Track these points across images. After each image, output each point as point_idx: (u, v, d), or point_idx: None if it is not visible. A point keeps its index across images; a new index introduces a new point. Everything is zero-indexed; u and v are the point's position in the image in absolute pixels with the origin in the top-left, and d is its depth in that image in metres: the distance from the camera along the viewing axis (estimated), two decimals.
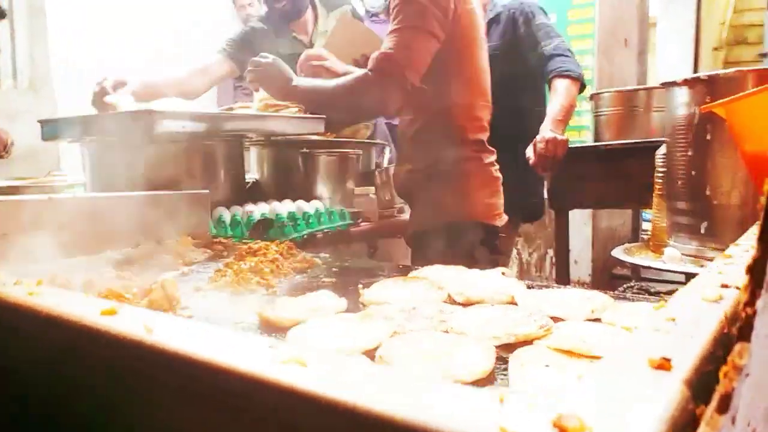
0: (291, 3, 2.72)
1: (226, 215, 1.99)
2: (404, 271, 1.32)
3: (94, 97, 2.17)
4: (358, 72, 1.87)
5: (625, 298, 1.07)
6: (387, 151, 2.86)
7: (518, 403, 0.30)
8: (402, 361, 0.74)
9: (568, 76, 2.47)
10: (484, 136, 2.00)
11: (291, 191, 2.28)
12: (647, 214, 4.12)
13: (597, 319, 0.94)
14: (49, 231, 1.48)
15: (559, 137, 2.34)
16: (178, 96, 2.39)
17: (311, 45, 2.79)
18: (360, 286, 1.17)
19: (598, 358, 0.76)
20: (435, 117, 1.91)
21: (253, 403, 0.36)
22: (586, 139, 4.17)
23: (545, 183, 2.77)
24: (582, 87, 2.51)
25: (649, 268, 1.78)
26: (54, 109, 3.87)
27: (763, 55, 5.79)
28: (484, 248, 1.90)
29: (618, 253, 2.01)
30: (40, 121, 2.11)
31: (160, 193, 1.72)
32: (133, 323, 0.40)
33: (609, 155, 2.38)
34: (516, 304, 1.03)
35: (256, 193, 2.42)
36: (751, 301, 0.32)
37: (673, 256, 1.69)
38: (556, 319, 0.92)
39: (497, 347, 0.81)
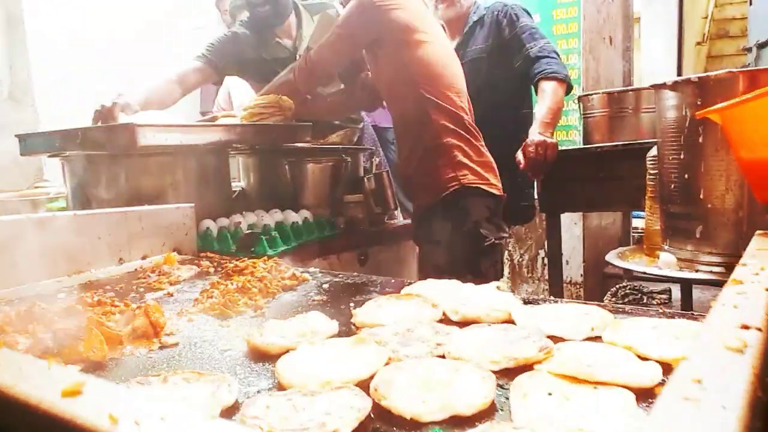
0: (273, 8, 2.67)
1: (213, 227, 1.95)
2: (397, 286, 1.29)
3: (98, 116, 2.09)
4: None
5: (623, 312, 1.05)
6: (375, 157, 2.82)
7: None
8: (399, 393, 0.71)
9: (554, 78, 2.45)
10: (464, 113, 2.12)
11: (279, 200, 2.24)
12: (638, 212, 4.12)
13: (597, 337, 0.91)
14: (29, 251, 1.44)
15: (549, 140, 2.32)
16: (158, 106, 2.34)
17: (295, 49, 2.75)
18: (351, 305, 1.14)
19: (602, 383, 0.73)
20: (408, 101, 2.10)
21: None
22: (573, 138, 4.16)
23: (535, 186, 2.75)
24: (569, 88, 2.49)
25: (645, 274, 1.75)
26: (35, 120, 3.80)
27: (747, 50, 5.81)
28: (487, 219, 2.02)
29: (612, 257, 1.98)
30: (18, 136, 2.06)
31: (144, 208, 1.68)
32: (98, 411, 0.36)
33: (599, 157, 2.37)
34: (513, 321, 1.00)
35: (242, 202, 2.37)
36: None
37: (669, 262, 1.66)
38: (555, 339, 0.89)
39: (496, 372, 0.78)
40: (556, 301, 1.12)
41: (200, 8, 4.76)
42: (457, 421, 0.67)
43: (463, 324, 0.99)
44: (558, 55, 2.56)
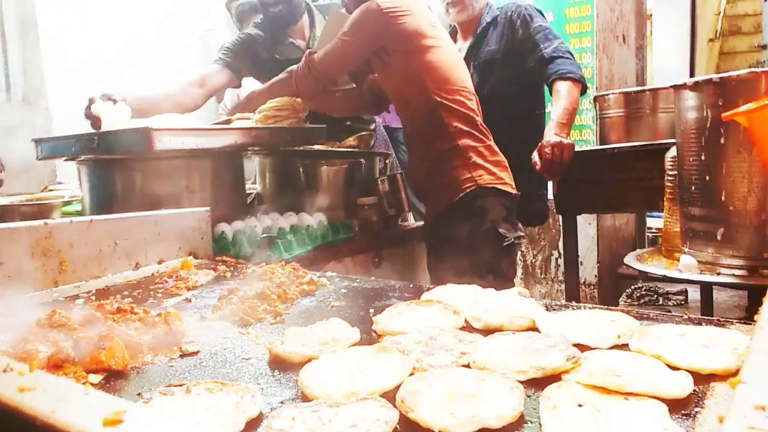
0: (286, 8, 2.67)
1: (229, 231, 1.94)
2: (416, 291, 1.27)
3: (85, 110, 2.14)
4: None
5: (648, 318, 1.03)
6: (388, 159, 2.81)
7: None
8: (425, 405, 0.70)
9: (569, 78, 2.43)
10: (475, 115, 2.12)
11: (294, 203, 2.24)
12: (652, 212, 4.08)
13: (623, 345, 0.90)
14: (46, 257, 1.44)
15: (565, 141, 2.30)
16: (174, 110, 2.34)
17: (309, 49, 2.75)
18: (371, 311, 1.13)
19: (633, 394, 0.71)
20: (418, 106, 2.10)
21: None
22: (587, 138, 4.13)
23: (549, 187, 2.73)
24: (584, 88, 2.47)
25: (666, 277, 1.73)
26: (49, 122, 3.82)
27: (762, 47, 5.74)
28: (504, 219, 2.02)
29: (631, 260, 1.96)
30: (34, 140, 2.07)
31: (159, 213, 1.68)
32: None
33: (616, 158, 2.34)
34: (536, 328, 0.98)
35: (258, 206, 2.37)
36: None
37: (690, 265, 1.64)
38: (581, 347, 0.88)
39: (523, 382, 0.77)
40: (579, 307, 1.10)
41: (211, 10, 4.76)
42: None
43: (485, 332, 0.98)
44: (572, 56, 2.53)
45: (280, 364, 0.89)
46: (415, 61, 2.06)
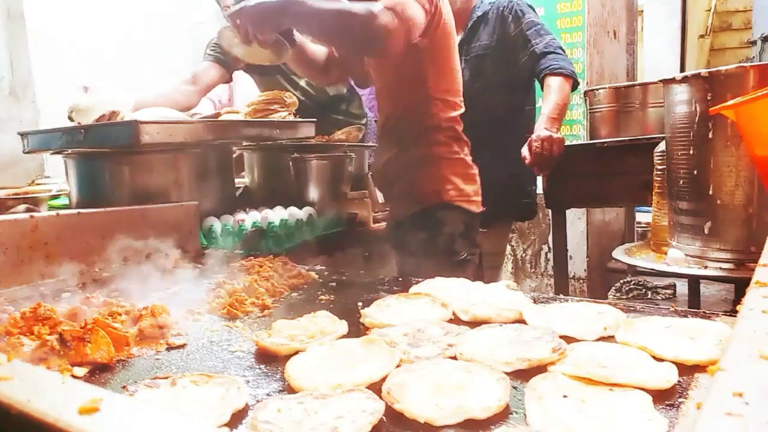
0: None
1: (217, 225, 1.93)
2: (404, 285, 1.27)
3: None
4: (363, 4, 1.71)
5: (635, 310, 1.03)
6: None
7: None
8: (411, 397, 0.70)
9: (560, 74, 2.43)
10: (458, 125, 2.00)
11: (283, 197, 2.23)
12: (641, 207, 4.10)
13: (610, 337, 0.90)
14: (33, 250, 1.43)
15: (555, 135, 2.30)
16: (170, 106, 2.32)
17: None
18: (360, 304, 1.13)
19: (618, 385, 0.72)
20: (411, 107, 1.94)
21: None
22: (578, 133, 4.14)
23: (539, 181, 2.73)
24: (575, 84, 2.47)
25: (653, 270, 1.74)
26: (36, 116, 3.78)
27: (752, 42, 5.78)
28: (461, 235, 1.92)
29: (619, 254, 1.97)
30: (20, 133, 2.05)
31: (147, 206, 1.67)
32: (116, 429, 0.35)
33: (605, 153, 2.35)
34: (524, 321, 0.99)
35: (246, 199, 2.36)
36: None
37: (677, 258, 1.65)
38: (567, 339, 0.88)
39: (509, 373, 0.77)
40: (567, 300, 1.11)
41: (202, 3, 4.73)
42: (471, 424, 0.66)
43: (473, 324, 0.98)
44: (564, 51, 2.54)
45: (267, 357, 0.89)
46: (430, 57, 1.88)
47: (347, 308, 1.14)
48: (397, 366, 0.80)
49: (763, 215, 1.51)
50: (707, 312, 0.99)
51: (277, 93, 2.22)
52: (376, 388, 0.74)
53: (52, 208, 2.42)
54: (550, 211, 2.71)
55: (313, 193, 2.31)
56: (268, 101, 2.19)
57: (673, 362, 0.77)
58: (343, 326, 0.98)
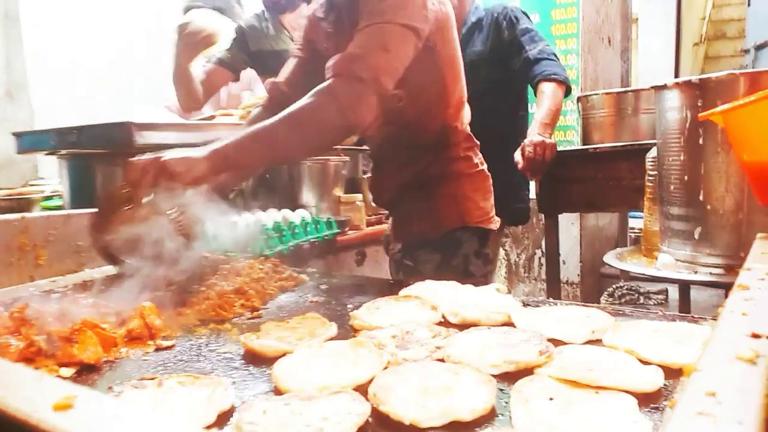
0: None
1: (209, 227, 1.93)
2: (395, 287, 1.27)
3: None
4: (315, 90, 1.38)
5: (623, 314, 1.04)
6: None
7: None
8: (397, 398, 0.70)
9: (554, 80, 2.44)
10: (471, 138, 1.84)
11: (276, 200, 2.23)
12: (635, 213, 4.12)
13: (597, 340, 0.91)
14: (22, 251, 1.43)
15: (548, 140, 2.31)
16: (178, 113, 2.33)
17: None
18: (349, 306, 1.13)
19: (604, 388, 0.72)
20: (429, 114, 1.69)
21: None
22: (571, 139, 4.16)
23: (532, 187, 2.74)
24: (568, 90, 2.49)
25: (644, 275, 1.75)
26: (31, 117, 3.78)
27: (745, 51, 5.82)
28: (479, 256, 1.77)
29: (610, 258, 1.98)
30: (14, 134, 2.04)
31: None
32: (90, 426, 0.35)
33: (598, 158, 2.36)
34: (513, 324, 0.99)
35: (239, 202, 2.36)
36: None
37: (668, 263, 1.66)
38: (555, 342, 0.88)
39: (496, 376, 0.77)
40: (556, 303, 1.11)
41: None
42: (456, 426, 0.66)
43: (462, 327, 0.99)
44: (557, 58, 2.55)
45: (255, 359, 0.89)
46: (444, 58, 1.64)
47: (337, 310, 1.14)
48: (385, 368, 0.80)
49: (753, 221, 1.52)
50: (695, 316, 0.99)
51: None
52: (363, 389, 0.74)
53: (45, 209, 2.41)
54: (543, 215, 2.72)
55: (307, 196, 2.31)
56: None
57: (660, 366, 0.77)
58: (332, 328, 0.98)
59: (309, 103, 1.35)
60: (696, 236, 1.63)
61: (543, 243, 4.02)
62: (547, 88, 2.43)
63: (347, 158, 2.43)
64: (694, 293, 2.72)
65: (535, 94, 2.50)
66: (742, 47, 6.04)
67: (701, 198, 1.60)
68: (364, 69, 1.36)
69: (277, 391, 0.77)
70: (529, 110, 2.79)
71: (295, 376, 0.78)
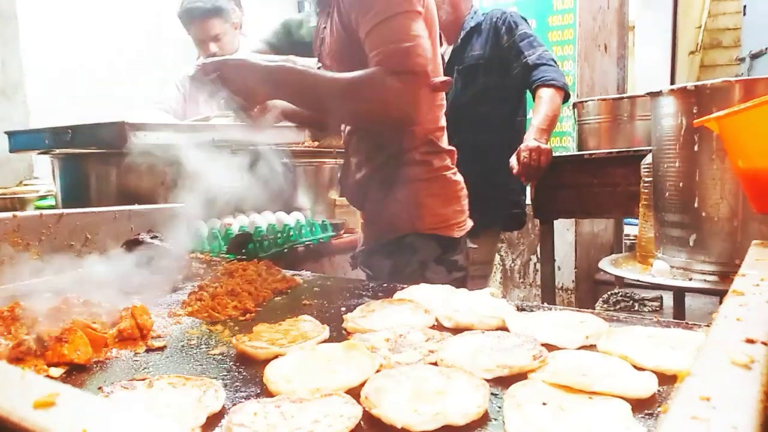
0: None
1: (204, 229, 1.92)
2: (389, 291, 1.27)
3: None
4: (367, 75, 1.44)
5: (618, 320, 1.03)
6: None
7: None
8: (390, 402, 0.69)
9: (552, 85, 2.45)
10: (438, 136, 1.74)
11: (271, 202, 2.22)
12: (630, 219, 4.13)
13: (591, 346, 0.90)
14: (15, 249, 1.41)
15: (543, 146, 2.32)
16: None
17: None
18: (343, 309, 1.12)
19: (598, 393, 0.72)
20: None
21: None
22: (567, 145, 4.17)
23: (528, 192, 2.75)
24: (566, 96, 2.49)
25: (638, 281, 1.75)
26: (26, 117, 3.76)
27: (740, 60, 5.85)
28: (442, 263, 1.70)
29: (605, 265, 1.98)
30: (7, 133, 2.03)
31: (133, 208, 1.66)
32: (71, 425, 0.34)
33: (593, 164, 2.36)
34: (506, 328, 0.98)
35: (234, 204, 2.35)
36: None
37: (662, 270, 1.66)
38: (549, 347, 0.88)
39: (489, 380, 0.77)
40: (550, 309, 1.10)
41: None
42: (449, 430, 0.65)
43: (456, 331, 0.98)
44: (556, 63, 2.56)
45: (246, 361, 0.88)
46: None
47: (330, 313, 1.13)
48: (377, 371, 0.79)
49: (748, 228, 1.52)
50: (689, 323, 0.99)
51: None
52: (355, 393, 0.73)
53: (39, 208, 2.40)
54: (538, 221, 2.73)
55: (302, 198, 2.30)
56: None
57: (654, 371, 0.77)
58: (324, 331, 0.97)
59: (360, 82, 1.44)
60: (691, 243, 1.63)
61: (538, 249, 4.02)
62: (545, 94, 2.44)
63: (342, 161, 2.42)
64: (689, 300, 2.72)
65: (533, 100, 2.50)
66: (738, 56, 6.07)
67: (696, 205, 1.60)
68: (415, 63, 1.43)
69: (269, 394, 0.76)
70: (528, 116, 2.79)
71: (286, 379, 0.78)
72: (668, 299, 3.27)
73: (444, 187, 1.73)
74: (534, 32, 2.66)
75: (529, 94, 2.63)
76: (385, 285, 1.35)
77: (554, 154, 2.34)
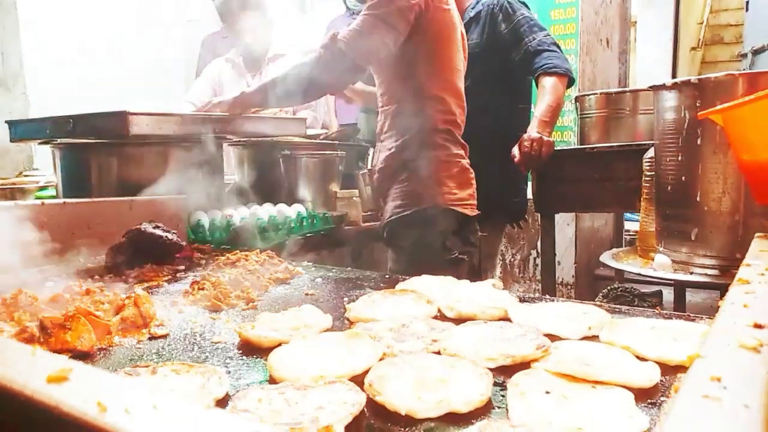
0: None
1: (205, 220, 1.92)
2: (391, 282, 1.27)
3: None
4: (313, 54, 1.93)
5: (620, 312, 1.03)
6: (371, 152, 2.80)
7: None
8: (393, 389, 0.69)
9: (554, 73, 2.42)
10: (456, 129, 2.01)
11: (272, 194, 2.22)
12: (630, 214, 4.13)
13: (594, 337, 0.90)
14: (17, 238, 1.41)
15: (545, 138, 2.30)
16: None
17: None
18: (345, 300, 1.12)
19: (600, 382, 0.72)
20: (406, 105, 1.95)
21: None
22: (569, 140, 4.16)
23: (529, 184, 2.73)
24: (570, 81, 2.46)
25: (640, 275, 1.75)
26: (26, 108, 3.76)
27: (742, 55, 5.84)
28: (457, 236, 1.94)
29: (606, 258, 1.98)
30: (8, 122, 2.02)
31: (135, 198, 1.66)
32: (85, 398, 0.34)
33: (595, 158, 2.35)
34: (509, 319, 0.99)
35: (236, 196, 2.35)
36: None
37: (664, 263, 1.66)
38: (552, 337, 0.88)
39: (492, 369, 0.77)
40: (553, 300, 1.11)
41: (197, 1, 4.71)
42: (452, 418, 0.66)
43: (458, 321, 0.98)
44: (559, 48, 2.51)
45: (250, 349, 0.89)
46: (440, 53, 1.94)
47: (333, 303, 1.13)
48: (380, 360, 0.80)
49: (749, 222, 1.52)
50: (691, 315, 0.99)
51: None
52: (358, 380, 0.73)
53: (39, 199, 2.39)
54: (539, 215, 2.72)
55: (304, 191, 2.30)
56: None
57: (656, 362, 0.77)
58: (327, 320, 0.98)
59: (304, 65, 1.93)
60: (692, 237, 1.63)
61: (538, 243, 4.02)
62: (548, 83, 2.41)
63: (344, 153, 2.42)
64: (689, 296, 2.73)
65: (537, 88, 2.48)
66: (740, 52, 6.06)
67: (698, 199, 1.60)
68: (338, 47, 1.86)
69: (272, 381, 0.76)
70: (532, 102, 2.76)
71: (290, 366, 0.78)
72: (668, 294, 3.27)
73: (460, 172, 2.00)
74: (534, 15, 2.61)
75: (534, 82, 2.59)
76: (386, 276, 1.35)
77: (556, 148, 2.33)
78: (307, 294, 1.21)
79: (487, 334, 0.88)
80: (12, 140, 2.03)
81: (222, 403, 0.70)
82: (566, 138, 4.17)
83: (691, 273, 1.64)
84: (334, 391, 0.69)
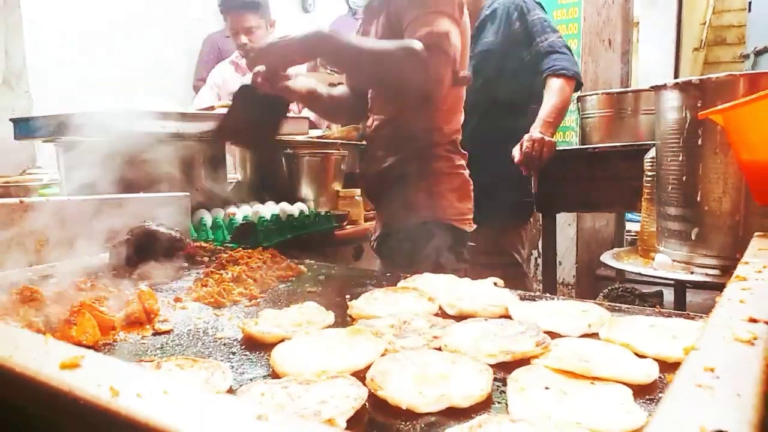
0: None
1: (208, 218, 1.93)
2: (393, 279, 1.28)
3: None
4: (402, 42, 1.57)
5: (620, 310, 1.04)
6: None
7: None
8: (395, 384, 0.70)
9: (562, 75, 2.43)
10: (458, 139, 1.91)
11: (275, 193, 2.23)
12: (631, 215, 4.13)
13: (594, 334, 0.91)
14: (21, 235, 1.42)
15: (547, 138, 2.31)
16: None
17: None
18: (347, 297, 1.13)
19: (599, 379, 0.73)
20: (410, 116, 1.81)
21: None
22: (570, 140, 4.16)
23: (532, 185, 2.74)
24: (578, 85, 2.47)
25: (640, 275, 1.75)
26: (30, 106, 3.77)
27: (744, 56, 5.83)
28: (452, 253, 1.79)
29: (607, 258, 1.98)
30: (12, 120, 2.04)
31: (138, 196, 1.67)
32: (98, 383, 0.35)
33: (596, 158, 2.36)
34: (509, 317, 0.99)
35: (239, 194, 2.36)
36: None
37: (664, 263, 1.66)
38: (552, 335, 0.89)
39: (493, 365, 0.78)
40: (553, 298, 1.11)
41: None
42: (453, 412, 0.66)
43: (459, 318, 0.99)
44: (570, 50, 2.53)
45: (253, 344, 0.89)
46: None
47: (335, 300, 1.14)
48: (382, 355, 0.80)
49: (750, 223, 1.52)
50: (690, 313, 1.00)
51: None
52: (360, 375, 0.74)
53: (43, 197, 2.40)
54: (540, 215, 2.72)
55: (305, 189, 2.31)
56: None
57: (656, 359, 0.78)
58: (329, 317, 0.99)
59: (398, 55, 1.54)
60: (693, 237, 1.63)
61: (539, 244, 4.03)
62: (555, 84, 2.42)
63: (346, 153, 2.43)
64: (690, 296, 2.73)
65: (544, 89, 2.49)
66: (742, 53, 6.05)
67: (699, 199, 1.60)
68: (448, 45, 1.58)
69: (275, 376, 0.77)
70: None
71: (292, 362, 0.79)
72: (669, 295, 3.28)
73: (461, 184, 1.89)
74: (548, 17, 2.62)
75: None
76: (388, 274, 1.36)
77: (558, 148, 2.34)
78: (309, 291, 1.22)
79: (487, 331, 0.89)
80: (16, 138, 2.04)
81: None
82: (568, 138, 4.18)
83: (692, 273, 1.65)
84: (337, 386, 0.70)
